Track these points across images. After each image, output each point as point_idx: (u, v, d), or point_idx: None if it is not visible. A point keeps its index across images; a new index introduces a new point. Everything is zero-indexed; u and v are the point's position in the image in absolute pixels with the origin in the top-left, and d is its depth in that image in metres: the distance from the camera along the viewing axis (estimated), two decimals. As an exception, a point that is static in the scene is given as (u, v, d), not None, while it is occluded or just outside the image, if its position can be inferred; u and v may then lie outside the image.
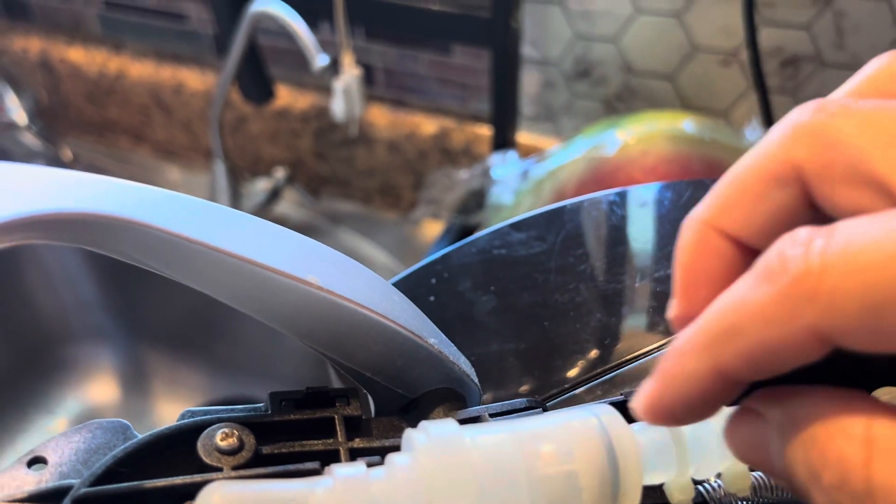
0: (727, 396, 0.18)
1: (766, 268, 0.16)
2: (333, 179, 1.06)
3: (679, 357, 0.18)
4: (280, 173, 1.03)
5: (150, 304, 1.02)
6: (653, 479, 0.21)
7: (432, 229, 0.96)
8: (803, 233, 0.16)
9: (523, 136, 0.92)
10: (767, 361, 0.17)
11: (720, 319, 0.17)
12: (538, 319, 0.32)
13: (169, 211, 0.21)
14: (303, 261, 0.22)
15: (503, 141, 0.89)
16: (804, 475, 0.16)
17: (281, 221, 0.29)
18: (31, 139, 1.07)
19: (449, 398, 0.25)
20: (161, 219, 0.20)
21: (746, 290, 0.17)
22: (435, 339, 0.25)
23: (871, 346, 0.15)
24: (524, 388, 0.31)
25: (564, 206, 0.36)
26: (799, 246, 0.16)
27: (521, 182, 0.71)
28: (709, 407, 0.18)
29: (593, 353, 0.30)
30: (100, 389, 1.03)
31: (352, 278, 0.23)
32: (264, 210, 1.00)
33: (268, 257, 0.21)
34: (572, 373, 0.30)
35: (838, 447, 0.15)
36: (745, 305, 0.17)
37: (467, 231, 0.82)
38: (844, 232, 0.15)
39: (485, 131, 0.93)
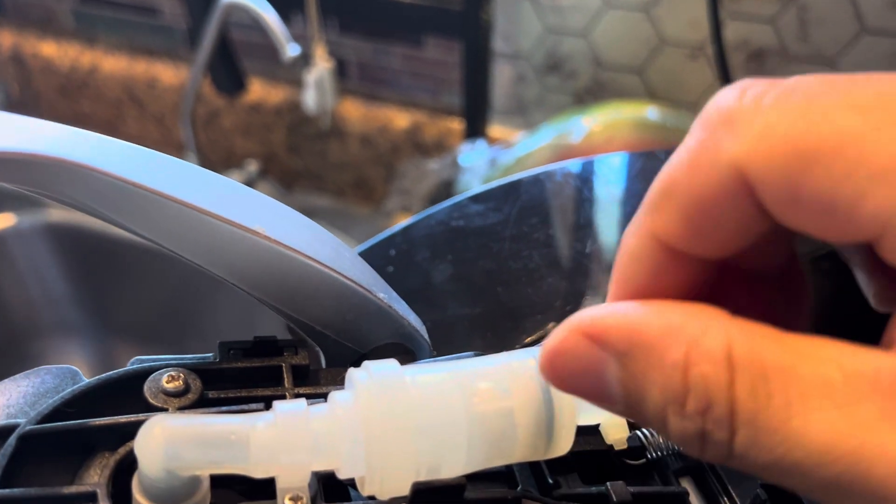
0: (675, 274, 0.17)
1: (701, 117, 0.16)
2: (306, 173, 1.06)
3: (623, 240, 0.17)
4: (253, 167, 1.03)
5: (120, 300, 1.02)
6: (588, 420, 0.21)
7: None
8: (745, 81, 0.15)
9: (495, 129, 0.93)
10: (701, 218, 0.16)
11: (657, 184, 0.16)
12: (492, 286, 0.33)
13: (118, 157, 0.21)
14: (251, 211, 0.23)
15: (475, 134, 0.89)
16: (659, 401, 0.15)
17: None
18: (1, 132, 1.06)
19: (399, 353, 0.26)
20: (110, 164, 0.21)
21: (681, 147, 0.16)
22: (385, 294, 0.25)
23: (787, 207, 0.15)
24: (480, 351, 0.31)
25: (521, 179, 0.37)
26: (736, 90, 0.15)
27: (490, 169, 0.72)
28: (660, 284, 0.17)
29: (544, 315, 0.31)
30: (70, 384, 1.02)
31: (300, 231, 0.24)
32: (237, 203, 1.00)
33: (215, 206, 0.22)
34: (525, 335, 0.30)
35: (702, 371, 0.14)
36: (677, 160, 0.16)
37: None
38: (790, 83, 0.15)
39: (457, 125, 0.93)
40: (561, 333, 0.17)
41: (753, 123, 0.15)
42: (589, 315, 0.16)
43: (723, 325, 0.15)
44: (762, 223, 0.15)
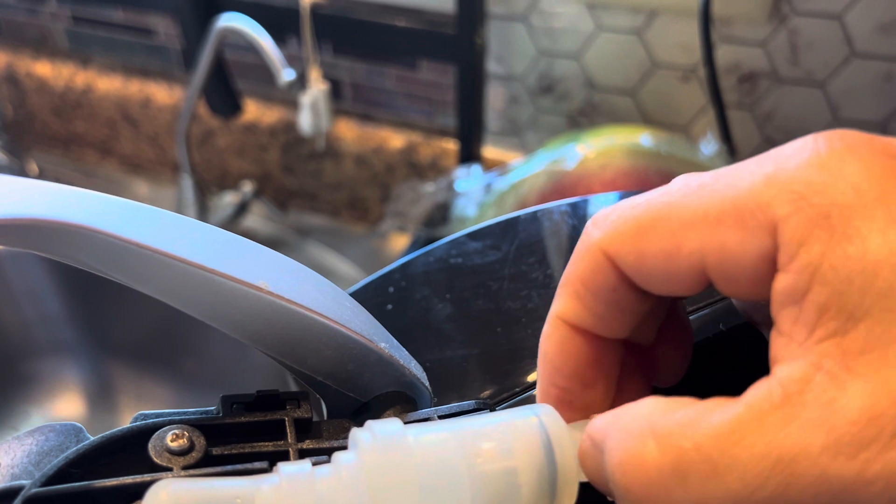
0: (594, 356, 0.22)
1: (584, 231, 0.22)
2: (301, 193, 1.06)
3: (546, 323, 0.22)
4: (247, 187, 1.03)
5: (116, 319, 1.02)
6: (591, 476, 0.21)
7: (399, 242, 0.97)
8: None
9: (489, 151, 0.93)
10: (586, 292, 0.21)
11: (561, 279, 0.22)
12: (491, 326, 0.33)
13: (119, 217, 0.21)
14: (253, 266, 0.23)
15: (469, 155, 0.90)
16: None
17: (248, 235, 0.30)
18: (-5, 153, 1.06)
19: (400, 401, 0.26)
20: (111, 224, 0.21)
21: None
22: (386, 343, 0.26)
23: (638, 268, 0.20)
24: (478, 393, 0.31)
25: (519, 217, 0.37)
26: (603, 212, 0.22)
27: (485, 195, 0.72)
28: (587, 370, 0.22)
29: (543, 358, 0.31)
30: (65, 405, 1.02)
31: (302, 284, 0.24)
32: (232, 224, 1.00)
33: (217, 263, 0.22)
34: (523, 377, 0.31)
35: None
36: (570, 259, 0.22)
37: (433, 243, 0.83)
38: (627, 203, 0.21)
39: (451, 146, 0.94)
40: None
41: (607, 220, 0.21)
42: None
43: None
44: (640, 303, 0.21)
